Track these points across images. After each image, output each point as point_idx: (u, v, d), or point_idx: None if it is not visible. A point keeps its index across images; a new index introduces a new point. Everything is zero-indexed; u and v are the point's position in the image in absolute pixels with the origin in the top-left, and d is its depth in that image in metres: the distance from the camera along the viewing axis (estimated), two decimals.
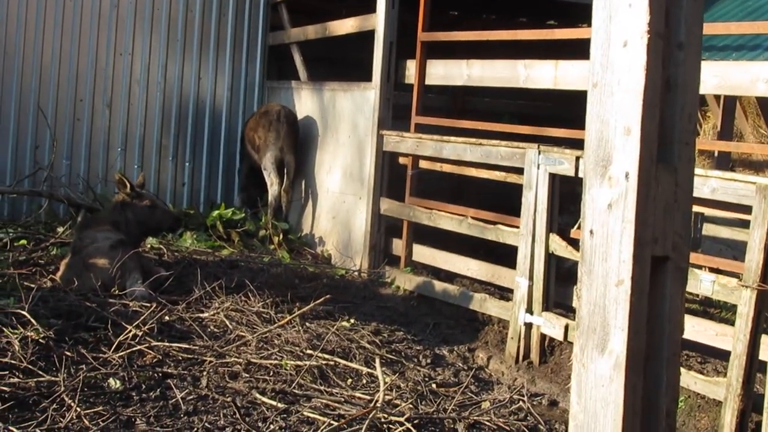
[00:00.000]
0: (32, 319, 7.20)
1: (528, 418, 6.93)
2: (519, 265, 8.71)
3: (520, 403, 7.19)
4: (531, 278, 8.56)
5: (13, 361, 6.60)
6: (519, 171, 8.95)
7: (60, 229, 10.90)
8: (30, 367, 6.58)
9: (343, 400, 6.68)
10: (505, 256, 9.35)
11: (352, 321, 8.56)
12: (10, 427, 5.68)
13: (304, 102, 12.64)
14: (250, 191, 12.95)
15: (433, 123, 10.76)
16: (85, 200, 11.86)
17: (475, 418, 6.62)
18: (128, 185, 9.40)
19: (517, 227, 8.82)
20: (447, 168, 10.33)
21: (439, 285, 9.90)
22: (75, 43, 12.63)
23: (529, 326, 8.55)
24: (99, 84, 12.78)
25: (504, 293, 9.38)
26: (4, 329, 7.07)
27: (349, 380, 7.14)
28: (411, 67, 10.84)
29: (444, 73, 10.59)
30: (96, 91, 12.77)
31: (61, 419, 5.90)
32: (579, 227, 6.56)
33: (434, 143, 10.11)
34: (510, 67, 9.76)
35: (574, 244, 8.21)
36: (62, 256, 9.58)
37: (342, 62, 13.36)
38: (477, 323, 9.31)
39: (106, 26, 12.75)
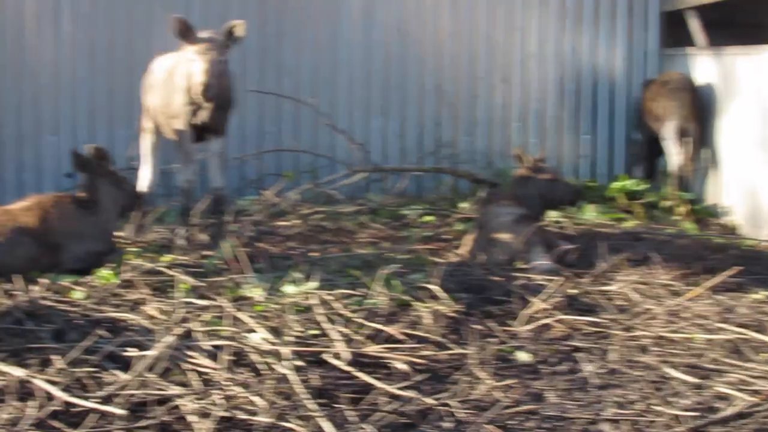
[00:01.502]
0: (441, 293, 7.40)
1: None
2: None
3: None
4: None
5: (425, 334, 6.82)
6: None
7: (463, 205, 11.14)
8: (441, 339, 6.78)
9: (758, 375, 6.40)
10: None
11: (765, 293, 8.20)
12: (423, 398, 5.84)
13: (702, 69, 12.23)
14: (649, 162, 12.70)
15: None
16: (487, 175, 12.07)
17: None
18: (528, 159, 9.48)
19: None
20: None
21: None
22: (468, 21, 12.86)
23: None
24: (495, 60, 12.94)
25: None
26: (415, 303, 7.31)
27: (764, 355, 6.85)
28: None
29: None
30: (492, 67, 12.95)
31: (472, 391, 6.02)
32: None
33: None
34: None
35: None
36: (466, 231, 9.78)
37: (740, 26, 12.84)
38: None
39: (497, 3, 12.90)
